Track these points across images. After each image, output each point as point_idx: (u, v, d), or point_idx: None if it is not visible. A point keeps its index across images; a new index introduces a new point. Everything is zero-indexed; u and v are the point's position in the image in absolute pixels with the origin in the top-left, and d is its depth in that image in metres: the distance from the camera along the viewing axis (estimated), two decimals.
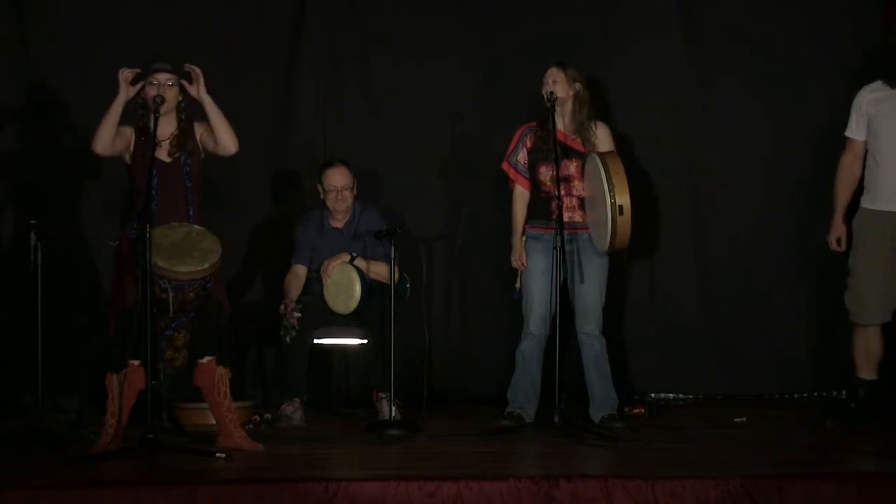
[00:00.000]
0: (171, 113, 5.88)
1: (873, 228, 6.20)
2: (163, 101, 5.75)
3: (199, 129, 5.95)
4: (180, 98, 5.90)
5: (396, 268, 6.43)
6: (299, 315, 6.48)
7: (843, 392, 6.73)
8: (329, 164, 6.85)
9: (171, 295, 5.62)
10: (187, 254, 5.64)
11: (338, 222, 6.82)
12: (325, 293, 6.59)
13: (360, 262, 6.65)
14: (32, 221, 5.95)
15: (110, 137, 5.76)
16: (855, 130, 6.29)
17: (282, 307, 6.54)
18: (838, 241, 6.32)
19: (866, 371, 6.32)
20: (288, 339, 6.49)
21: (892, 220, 6.17)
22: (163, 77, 5.84)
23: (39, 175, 7.20)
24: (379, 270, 6.67)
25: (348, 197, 6.76)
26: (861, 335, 6.30)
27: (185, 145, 5.90)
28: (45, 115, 7.22)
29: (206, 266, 5.64)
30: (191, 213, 5.87)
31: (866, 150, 6.28)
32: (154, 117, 5.70)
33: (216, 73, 7.15)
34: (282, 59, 7.46)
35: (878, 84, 6.25)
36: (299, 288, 6.72)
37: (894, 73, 6.20)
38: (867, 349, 6.30)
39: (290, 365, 6.56)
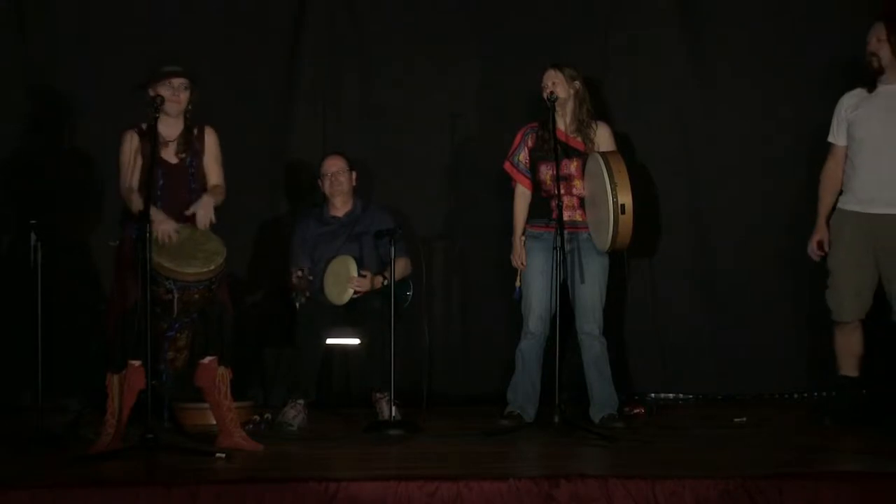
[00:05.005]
0: (179, 115, 5.89)
1: (849, 228, 6.33)
2: (163, 101, 5.76)
3: (210, 141, 5.95)
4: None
5: (406, 265, 6.57)
6: (311, 278, 6.51)
7: (831, 392, 6.74)
8: (325, 154, 6.94)
9: (175, 296, 5.62)
10: (192, 255, 5.65)
11: (337, 211, 6.85)
12: (324, 282, 6.61)
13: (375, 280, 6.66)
14: (32, 221, 5.96)
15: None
16: (836, 136, 6.44)
17: (297, 274, 6.50)
18: (820, 243, 6.43)
19: (849, 368, 6.43)
20: (297, 305, 6.53)
21: (867, 220, 6.29)
22: (177, 81, 5.84)
23: (39, 175, 7.21)
24: (399, 266, 6.62)
25: (343, 182, 6.79)
26: (841, 333, 6.41)
27: (192, 145, 5.91)
28: (45, 115, 7.22)
29: (212, 268, 5.66)
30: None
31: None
32: (154, 117, 5.71)
33: (216, 74, 7.20)
34: (282, 59, 7.46)
35: (857, 90, 6.40)
36: None
37: (871, 78, 6.33)
38: (848, 346, 6.41)
39: (301, 364, 6.57)
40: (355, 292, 6.56)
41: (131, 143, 5.82)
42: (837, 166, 6.41)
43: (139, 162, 5.79)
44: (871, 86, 6.33)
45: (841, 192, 6.41)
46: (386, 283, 6.48)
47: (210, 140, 5.96)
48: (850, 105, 6.37)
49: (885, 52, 6.26)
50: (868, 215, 6.28)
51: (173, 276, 5.58)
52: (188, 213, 5.77)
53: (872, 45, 6.30)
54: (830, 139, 6.45)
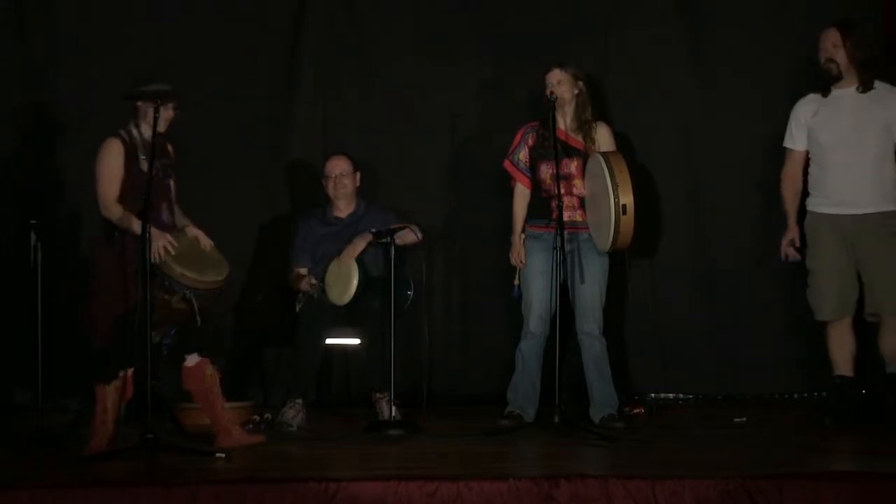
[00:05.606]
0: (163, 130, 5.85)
1: (823, 230, 6.44)
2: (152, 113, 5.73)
3: (174, 155, 5.95)
4: None
5: (408, 233, 6.57)
6: (314, 282, 6.62)
7: (830, 392, 6.73)
8: (328, 154, 6.94)
9: (195, 304, 5.63)
10: (203, 263, 5.68)
11: (340, 212, 6.86)
12: (326, 280, 6.62)
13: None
14: (32, 221, 5.96)
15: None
16: (794, 141, 6.58)
17: (311, 282, 6.63)
18: (792, 242, 6.55)
19: (842, 367, 6.47)
20: (297, 308, 6.62)
21: (840, 221, 6.38)
22: (171, 102, 5.81)
23: (39, 175, 7.21)
24: (404, 237, 6.62)
25: (347, 184, 6.81)
26: (833, 332, 6.46)
27: (171, 158, 5.90)
28: (45, 115, 7.22)
29: (225, 276, 5.74)
30: (175, 223, 5.89)
31: (808, 158, 6.53)
32: (156, 117, 5.66)
33: (217, 74, 7.21)
34: (282, 59, 7.47)
35: (812, 96, 6.53)
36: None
37: (825, 83, 6.45)
38: (840, 345, 6.46)
39: (301, 364, 6.57)
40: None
41: (119, 153, 5.72)
42: (796, 169, 6.58)
43: (121, 172, 5.72)
44: (825, 90, 6.45)
45: (808, 195, 6.52)
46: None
47: (174, 154, 5.95)
48: (810, 111, 6.49)
49: (842, 58, 6.38)
50: (843, 217, 6.37)
51: (194, 286, 5.61)
52: (193, 238, 5.80)
53: (829, 51, 6.40)
54: (789, 144, 6.60)
